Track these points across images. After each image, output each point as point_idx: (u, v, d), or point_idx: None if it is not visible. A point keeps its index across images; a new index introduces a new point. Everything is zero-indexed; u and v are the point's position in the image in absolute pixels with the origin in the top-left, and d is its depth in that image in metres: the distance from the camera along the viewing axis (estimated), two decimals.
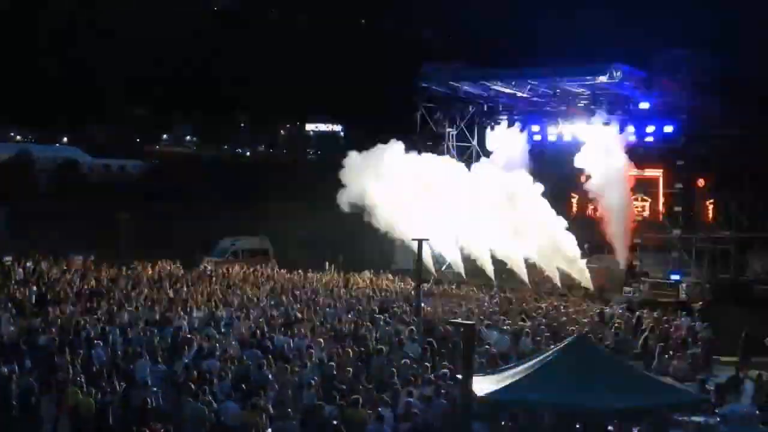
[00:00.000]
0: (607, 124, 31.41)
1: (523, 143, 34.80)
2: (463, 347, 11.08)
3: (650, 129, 31.69)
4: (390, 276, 31.66)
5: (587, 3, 66.93)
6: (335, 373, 14.68)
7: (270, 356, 15.74)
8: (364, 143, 31.81)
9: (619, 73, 29.94)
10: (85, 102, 76.01)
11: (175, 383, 13.75)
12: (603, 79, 30.53)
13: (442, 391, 13.47)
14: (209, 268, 31.74)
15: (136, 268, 28.67)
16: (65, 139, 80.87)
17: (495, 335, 18.66)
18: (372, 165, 30.06)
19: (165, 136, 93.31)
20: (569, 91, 32.91)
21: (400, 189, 29.37)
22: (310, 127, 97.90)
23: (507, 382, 11.70)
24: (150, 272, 28.23)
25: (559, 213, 32.48)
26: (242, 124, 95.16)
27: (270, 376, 14.40)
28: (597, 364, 11.78)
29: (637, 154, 31.15)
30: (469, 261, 32.43)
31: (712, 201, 32.05)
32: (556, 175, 35.39)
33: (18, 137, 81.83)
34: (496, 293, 27.60)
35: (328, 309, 21.54)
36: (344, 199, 29.57)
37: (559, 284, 30.30)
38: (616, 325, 21.27)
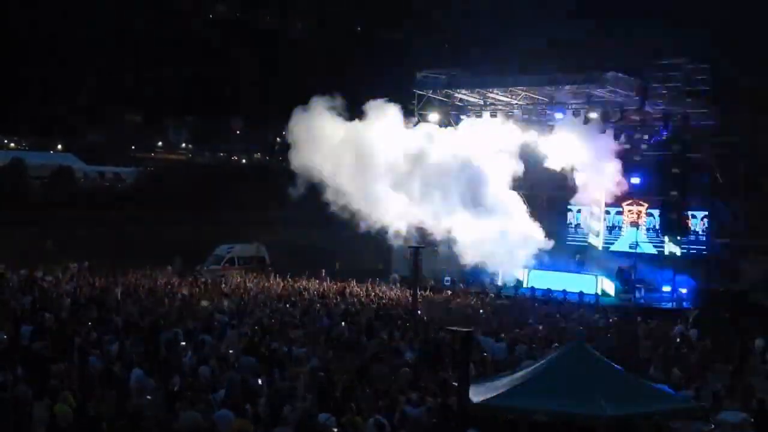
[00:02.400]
0: (602, 131, 31.56)
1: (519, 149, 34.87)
2: (460, 354, 11.07)
3: (645, 137, 31.85)
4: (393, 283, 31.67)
5: (583, 12, 67.25)
6: (331, 380, 14.62)
7: (265, 363, 15.69)
8: None
9: (613, 81, 30.03)
10: (79, 109, 75.87)
11: (170, 391, 13.68)
12: (598, 87, 30.65)
13: (439, 398, 13.43)
14: (205, 275, 31.65)
15: (132, 276, 28.58)
16: (59, 147, 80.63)
17: (491, 343, 18.62)
18: (307, 131, 29.72)
19: (159, 142, 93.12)
20: (565, 99, 33.01)
21: (342, 154, 28.92)
22: None
23: (503, 389, 11.70)
24: (145, 279, 28.15)
25: (558, 224, 32.52)
26: (237, 131, 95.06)
27: (265, 384, 14.34)
28: (593, 371, 11.81)
29: (633, 161, 31.27)
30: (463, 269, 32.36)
31: (707, 208, 32.14)
32: (552, 184, 35.47)
33: (11, 144, 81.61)
34: (492, 300, 27.58)
35: (324, 318, 21.47)
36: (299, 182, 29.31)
37: None
38: (612, 332, 21.30)
